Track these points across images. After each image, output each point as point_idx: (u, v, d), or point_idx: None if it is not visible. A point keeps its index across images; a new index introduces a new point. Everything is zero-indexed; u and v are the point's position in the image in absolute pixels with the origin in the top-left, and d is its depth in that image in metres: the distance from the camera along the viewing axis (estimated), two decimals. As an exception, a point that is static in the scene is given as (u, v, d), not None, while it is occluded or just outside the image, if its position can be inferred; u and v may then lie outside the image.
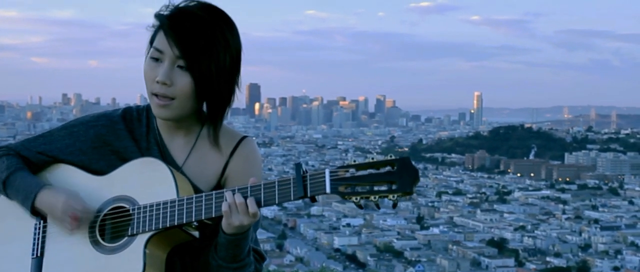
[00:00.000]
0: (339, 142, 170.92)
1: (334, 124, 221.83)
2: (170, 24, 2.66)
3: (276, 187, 2.56)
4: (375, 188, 2.47)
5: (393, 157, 2.48)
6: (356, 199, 2.47)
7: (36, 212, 2.81)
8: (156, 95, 2.71)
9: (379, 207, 2.48)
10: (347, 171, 2.49)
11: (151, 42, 2.74)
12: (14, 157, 2.88)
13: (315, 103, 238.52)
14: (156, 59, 2.70)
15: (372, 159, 2.50)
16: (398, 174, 2.46)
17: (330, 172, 2.48)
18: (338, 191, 2.47)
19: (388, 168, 2.47)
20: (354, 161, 2.51)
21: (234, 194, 2.58)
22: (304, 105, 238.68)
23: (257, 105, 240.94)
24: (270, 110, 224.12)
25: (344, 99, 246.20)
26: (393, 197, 2.46)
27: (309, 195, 2.51)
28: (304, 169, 2.52)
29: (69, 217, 2.70)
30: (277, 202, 2.57)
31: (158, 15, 2.70)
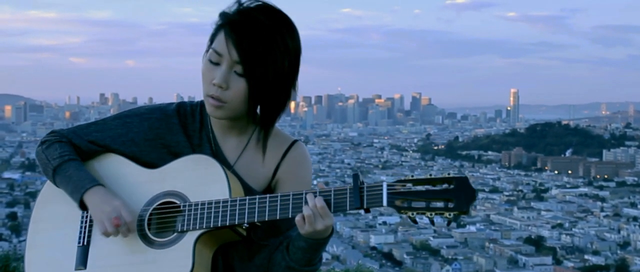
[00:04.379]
0: (375, 140, 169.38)
1: (369, 122, 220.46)
2: (231, 27, 2.64)
3: (332, 196, 2.57)
4: (432, 205, 2.47)
5: (451, 175, 2.50)
6: (412, 214, 2.48)
7: (82, 206, 2.80)
8: (211, 96, 2.70)
9: (433, 224, 2.50)
10: (405, 185, 2.49)
11: (211, 40, 2.71)
12: (67, 145, 2.89)
13: (351, 101, 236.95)
14: (214, 62, 2.69)
15: (430, 175, 2.51)
16: (455, 192, 2.47)
17: (388, 185, 2.49)
18: (394, 204, 2.48)
19: (445, 186, 2.49)
20: (412, 176, 2.52)
21: (315, 196, 2.57)
22: (340, 104, 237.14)
23: (292, 104, 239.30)
24: (305, 109, 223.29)
25: (379, 96, 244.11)
26: (449, 215, 2.45)
27: (365, 206, 2.51)
28: (361, 180, 2.53)
29: (111, 221, 2.70)
30: (332, 211, 2.57)
31: (222, 15, 2.70)
